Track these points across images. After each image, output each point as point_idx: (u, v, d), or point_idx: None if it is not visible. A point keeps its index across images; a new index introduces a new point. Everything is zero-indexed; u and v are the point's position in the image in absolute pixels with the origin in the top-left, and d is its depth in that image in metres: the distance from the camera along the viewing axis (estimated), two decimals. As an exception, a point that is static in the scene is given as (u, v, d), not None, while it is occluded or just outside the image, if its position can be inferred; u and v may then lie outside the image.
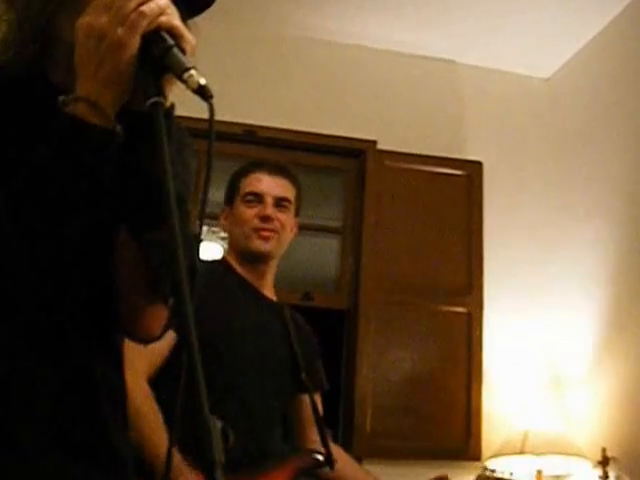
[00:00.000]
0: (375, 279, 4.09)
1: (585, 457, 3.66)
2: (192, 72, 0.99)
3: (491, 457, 3.82)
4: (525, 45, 4.34)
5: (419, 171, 4.28)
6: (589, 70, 4.33)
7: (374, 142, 4.23)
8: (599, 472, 3.54)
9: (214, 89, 1.00)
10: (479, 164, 4.34)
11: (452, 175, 4.31)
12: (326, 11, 4.15)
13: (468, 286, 4.19)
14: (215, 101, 1.00)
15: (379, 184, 4.20)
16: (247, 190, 2.47)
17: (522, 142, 4.49)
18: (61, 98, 1.07)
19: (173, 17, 1.06)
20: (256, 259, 2.47)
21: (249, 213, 2.45)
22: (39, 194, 1.06)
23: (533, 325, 4.22)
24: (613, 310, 3.82)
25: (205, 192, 1.03)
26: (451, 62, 4.48)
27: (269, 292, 2.57)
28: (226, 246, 2.81)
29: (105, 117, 1.06)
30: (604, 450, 3.56)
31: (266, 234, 2.43)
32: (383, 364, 4.00)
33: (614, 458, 3.53)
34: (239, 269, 2.49)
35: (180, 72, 1.00)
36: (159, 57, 1.04)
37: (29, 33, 1.18)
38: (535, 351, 4.19)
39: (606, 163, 4.07)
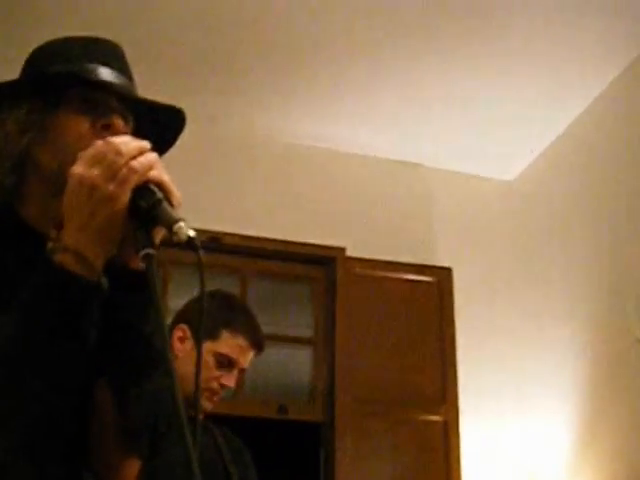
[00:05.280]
0: (349, 389, 3.99)
1: None
2: (181, 225, 1.01)
3: None
4: (488, 148, 4.41)
5: (389, 278, 4.24)
6: (552, 172, 4.39)
7: (343, 249, 4.19)
8: None
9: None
10: (449, 270, 4.32)
11: (422, 282, 4.28)
12: (294, 115, 4.17)
13: (443, 394, 4.12)
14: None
15: (349, 292, 4.14)
16: (224, 352, 2.33)
17: (490, 246, 4.50)
18: (49, 245, 1.07)
19: (162, 171, 1.09)
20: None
21: (214, 373, 2.32)
22: (19, 344, 1.04)
23: (510, 432, 4.15)
24: (588, 415, 3.78)
25: (200, 348, 1.04)
26: (418, 165, 4.51)
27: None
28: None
29: (92, 270, 1.06)
30: None
31: (216, 399, 2.34)
32: (360, 476, 3.86)
33: None
34: None
35: (169, 225, 1.02)
36: (148, 209, 1.06)
37: (8, 165, 1.22)
38: (513, 458, 4.10)
39: (574, 266, 4.08)
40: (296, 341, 4.31)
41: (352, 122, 4.24)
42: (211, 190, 4.08)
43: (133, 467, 1.19)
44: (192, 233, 1.01)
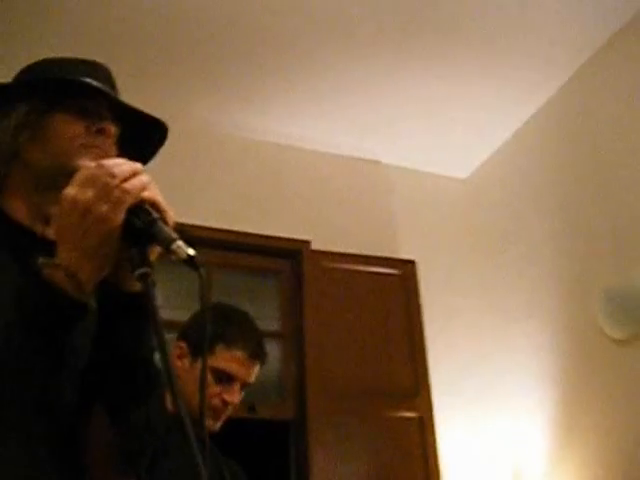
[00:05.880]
0: (320, 385, 3.82)
1: None
2: (179, 243, 1.02)
3: None
4: (443, 146, 4.48)
5: (355, 271, 4.16)
6: (505, 170, 4.48)
7: (308, 242, 4.10)
8: None
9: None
10: (412, 263, 4.29)
11: (388, 274, 4.22)
12: (259, 111, 4.10)
13: (415, 389, 4.01)
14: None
15: (316, 284, 4.03)
16: (222, 367, 2.20)
17: (450, 241, 4.53)
18: (40, 260, 1.06)
19: (155, 192, 1.11)
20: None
21: (213, 390, 2.19)
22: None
23: (486, 426, 4.07)
24: (562, 407, 3.74)
25: (204, 365, 1.21)
26: (377, 163, 4.53)
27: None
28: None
29: (81, 289, 1.06)
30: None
31: (220, 416, 2.21)
32: (335, 476, 3.67)
33: None
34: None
35: (167, 244, 1.02)
36: (143, 229, 1.06)
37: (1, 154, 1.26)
38: (490, 453, 4.02)
39: (533, 261, 4.12)
40: (264, 334, 4.11)
41: (316, 121, 4.23)
42: (177, 184, 3.91)
43: None
44: (192, 252, 1.01)
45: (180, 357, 2.21)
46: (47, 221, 1.28)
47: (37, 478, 1.09)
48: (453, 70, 3.90)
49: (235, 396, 2.21)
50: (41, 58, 1.39)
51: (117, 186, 1.06)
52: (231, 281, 4.02)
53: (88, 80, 1.31)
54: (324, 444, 3.70)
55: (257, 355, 2.26)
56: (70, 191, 1.07)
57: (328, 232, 4.20)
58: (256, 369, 2.27)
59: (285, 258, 4.12)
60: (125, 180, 1.07)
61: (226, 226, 3.95)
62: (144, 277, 1.02)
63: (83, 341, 1.14)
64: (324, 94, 4.04)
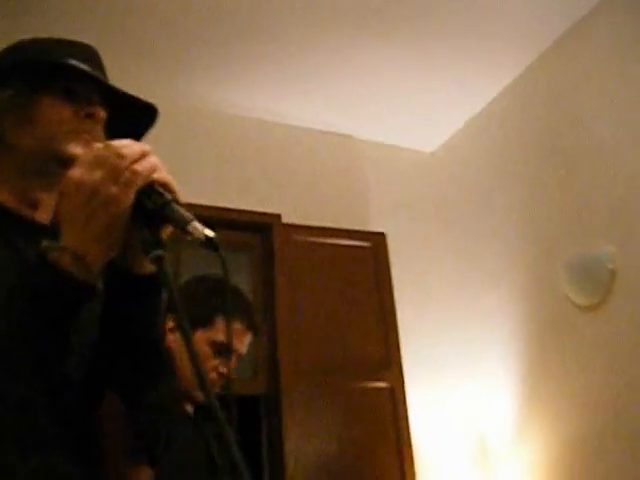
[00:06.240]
0: (292, 359, 3.83)
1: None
2: (196, 224, 1.00)
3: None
4: (412, 121, 4.50)
5: (325, 244, 4.16)
6: (472, 144, 4.51)
7: (278, 215, 4.09)
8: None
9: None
10: (382, 235, 4.30)
11: (358, 247, 4.23)
12: (230, 85, 4.06)
13: (386, 360, 4.04)
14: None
15: (287, 258, 4.02)
16: (220, 339, 2.16)
17: (419, 213, 4.56)
18: (44, 243, 1.03)
19: (165, 173, 1.08)
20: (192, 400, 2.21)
21: (212, 363, 2.16)
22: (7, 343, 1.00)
23: (456, 395, 4.14)
24: (530, 375, 3.82)
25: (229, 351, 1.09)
26: (348, 137, 4.52)
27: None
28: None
29: (88, 272, 1.03)
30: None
31: (216, 389, 2.17)
32: (309, 449, 3.69)
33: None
34: None
35: (183, 225, 1.00)
36: (156, 210, 1.04)
37: None
38: (462, 421, 4.10)
39: (497, 232, 4.17)
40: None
41: (287, 96, 4.20)
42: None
43: (144, 475, 1.16)
44: (210, 232, 0.99)
45: (172, 331, 2.15)
46: (34, 206, 1.25)
47: (51, 470, 1.07)
48: (422, 46, 3.90)
49: (231, 367, 2.20)
50: (29, 37, 1.34)
51: (127, 167, 1.04)
52: (201, 255, 4.00)
53: (76, 63, 1.27)
54: (296, 418, 3.72)
55: (252, 326, 2.25)
56: (75, 173, 1.05)
57: (299, 206, 4.19)
58: (249, 340, 2.24)
59: (256, 232, 4.11)
60: (135, 161, 1.05)
61: (194, 200, 3.88)
62: (159, 259, 0.99)
63: (87, 323, 1.12)
64: (296, 70, 4.01)
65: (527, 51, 4.02)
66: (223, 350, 2.16)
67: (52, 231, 1.12)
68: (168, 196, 1.05)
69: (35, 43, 1.32)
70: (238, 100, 4.18)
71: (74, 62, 1.27)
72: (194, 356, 0.90)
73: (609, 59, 3.61)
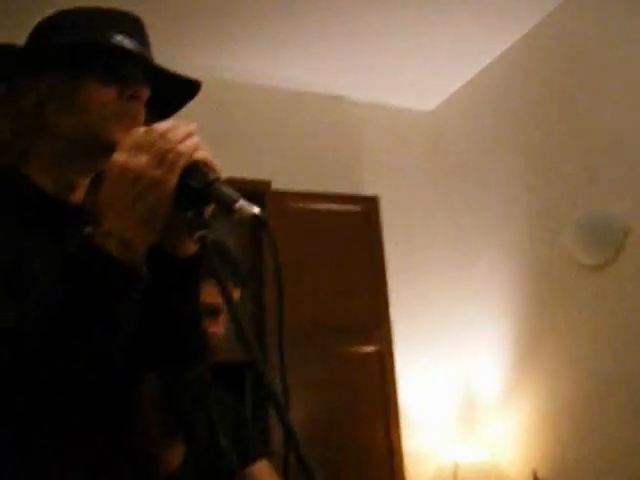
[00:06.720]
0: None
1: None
2: (243, 202, 0.98)
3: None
4: (409, 79, 4.39)
5: (317, 210, 4.16)
6: (473, 103, 4.41)
7: (268, 182, 4.09)
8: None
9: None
10: (375, 199, 4.28)
11: (350, 212, 4.23)
12: (217, 49, 4.02)
13: (376, 323, 4.08)
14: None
15: (277, 225, 4.02)
16: (208, 301, 2.03)
17: (414, 175, 4.51)
18: (87, 230, 1.03)
19: (206, 151, 1.08)
20: None
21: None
22: (54, 326, 0.99)
23: (445, 357, 4.17)
24: (524, 336, 3.82)
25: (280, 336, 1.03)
26: (340, 98, 4.45)
27: None
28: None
29: (135, 256, 1.03)
30: (535, 472, 3.51)
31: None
32: (297, 414, 3.77)
33: (545, 479, 3.48)
34: None
35: (230, 204, 0.99)
36: (201, 190, 1.03)
37: (22, 128, 1.19)
38: (451, 381, 4.13)
39: (499, 192, 4.12)
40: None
41: (276, 57, 4.14)
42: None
43: (177, 452, 1.19)
44: (257, 210, 0.97)
45: None
46: (71, 188, 1.25)
47: (91, 446, 1.10)
48: (421, 1, 3.77)
49: (220, 327, 2.17)
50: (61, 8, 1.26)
51: (171, 150, 1.04)
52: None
53: (121, 40, 1.22)
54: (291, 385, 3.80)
55: (241, 282, 2.24)
56: (119, 157, 1.05)
57: (290, 171, 4.18)
58: (238, 296, 2.23)
59: (246, 198, 4.10)
60: (178, 143, 1.05)
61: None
62: (203, 239, 1.00)
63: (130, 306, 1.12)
64: (285, 31, 3.95)
65: (535, 7, 3.87)
66: (212, 311, 2.12)
67: (89, 212, 1.15)
68: (212, 175, 1.05)
69: (76, 16, 1.27)
70: (225, 63, 4.13)
71: (119, 38, 1.23)
72: (244, 332, 0.91)
73: (621, 14, 3.47)
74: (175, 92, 1.36)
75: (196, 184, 1.04)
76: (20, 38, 1.28)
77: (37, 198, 1.19)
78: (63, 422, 1.05)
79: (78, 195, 1.26)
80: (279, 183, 4.09)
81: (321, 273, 4.06)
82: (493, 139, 4.23)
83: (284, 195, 4.08)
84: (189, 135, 1.07)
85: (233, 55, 4.08)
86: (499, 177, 4.14)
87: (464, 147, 4.44)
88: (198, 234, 1.01)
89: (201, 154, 1.07)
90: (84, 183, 1.27)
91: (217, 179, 1.04)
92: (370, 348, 4.04)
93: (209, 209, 1.06)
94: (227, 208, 0.99)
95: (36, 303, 1.00)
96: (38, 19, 1.28)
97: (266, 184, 4.08)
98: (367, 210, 4.25)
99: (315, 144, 4.33)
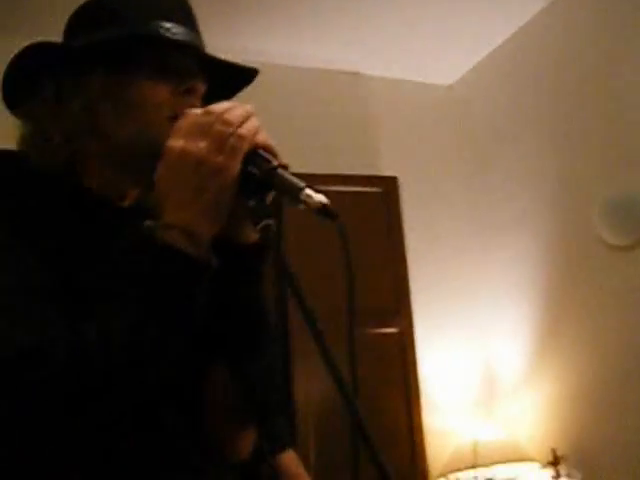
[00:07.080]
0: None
1: (534, 460, 3.62)
2: (309, 191, 0.94)
3: (440, 476, 3.69)
4: (427, 53, 4.28)
5: (334, 192, 4.10)
6: (493, 77, 4.32)
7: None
8: (551, 472, 3.47)
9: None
10: (394, 179, 4.24)
11: (368, 193, 4.20)
12: (224, 27, 3.97)
13: (396, 305, 4.08)
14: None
15: (293, 209, 4.03)
16: None
17: (434, 152, 4.43)
18: (148, 223, 0.98)
19: (266, 135, 1.02)
20: None
21: None
22: (135, 330, 0.95)
23: (466, 337, 4.15)
24: (548, 318, 3.79)
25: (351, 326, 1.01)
26: (355, 74, 4.37)
27: None
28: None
29: (201, 247, 0.98)
30: (554, 450, 3.49)
31: None
32: (316, 395, 3.81)
33: (564, 457, 3.46)
34: None
35: (296, 192, 0.94)
36: (263, 177, 0.98)
37: (73, 131, 1.11)
38: (471, 362, 4.12)
39: (524, 172, 4.05)
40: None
41: (288, 34, 4.06)
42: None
43: (248, 440, 1.15)
44: (324, 199, 0.94)
45: None
46: (122, 198, 1.18)
47: (164, 433, 1.08)
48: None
49: None
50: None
51: (232, 133, 0.98)
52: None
53: (171, 28, 1.12)
54: (305, 364, 3.83)
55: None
56: (176, 142, 0.99)
57: (306, 152, 4.14)
58: None
59: (262, 184, 4.12)
60: (239, 126, 0.99)
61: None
62: (267, 228, 0.96)
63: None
64: (298, 6, 3.87)
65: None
66: None
67: (143, 212, 1.07)
68: (274, 161, 1.00)
69: (105, 4, 1.16)
70: (235, 42, 4.08)
71: (168, 26, 1.13)
72: (312, 319, 0.94)
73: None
74: (227, 79, 1.26)
75: (258, 171, 0.99)
76: (29, 37, 1.20)
77: (90, 202, 1.14)
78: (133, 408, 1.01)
79: (128, 201, 1.19)
80: (295, 165, 4.07)
81: (340, 256, 4.05)
82: (515, 114, 4.14)
83: (300, 177, 4.07)
84: (249, 117, 1.01)
85: (246, 34, 4.01)
86: (523, 155, 4.06)
87: (485, 123, 4.36)
88: (264, 223, 0.97)
89: (262, 138, 1.01)
90: (135, 192, 1.20)
91: (280, 165, 0.99)
92: (391, 330, 4.05)
93: (270, 197, 1.01)
94: (293, 197, 0.95)
95: (108, 316, 0.95)
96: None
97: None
98: (386, 191, 4.21)
99: (331, 124, 4.24)
